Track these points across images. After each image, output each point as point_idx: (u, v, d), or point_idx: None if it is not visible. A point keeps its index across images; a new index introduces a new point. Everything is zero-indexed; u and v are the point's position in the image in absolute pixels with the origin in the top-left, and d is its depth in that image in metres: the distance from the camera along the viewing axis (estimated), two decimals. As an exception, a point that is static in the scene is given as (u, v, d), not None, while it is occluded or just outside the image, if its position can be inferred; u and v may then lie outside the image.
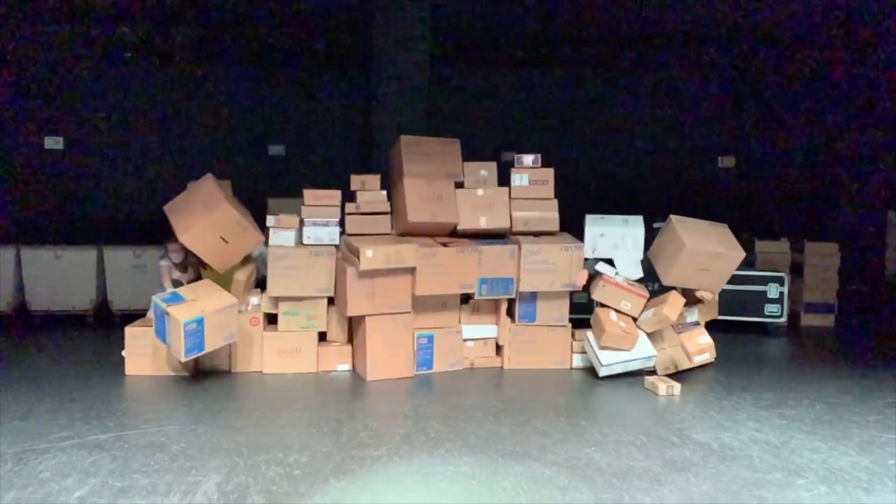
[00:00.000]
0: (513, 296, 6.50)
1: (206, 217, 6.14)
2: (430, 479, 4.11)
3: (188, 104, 10.01)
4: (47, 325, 8.24)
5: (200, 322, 5.64)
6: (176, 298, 5.81)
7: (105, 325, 8.06)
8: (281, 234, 6.46)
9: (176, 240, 6.39)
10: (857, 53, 10.01)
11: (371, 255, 5.97)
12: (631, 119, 10.67)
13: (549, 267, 6.42)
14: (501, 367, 6.62)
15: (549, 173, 6.94)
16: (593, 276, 6.45)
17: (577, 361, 6.64)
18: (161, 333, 5.80)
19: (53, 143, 9.74)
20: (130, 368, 6.14)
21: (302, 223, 6.54)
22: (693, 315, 6.40)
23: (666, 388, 5.80)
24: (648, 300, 6.28)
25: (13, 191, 9.63)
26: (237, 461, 4.34)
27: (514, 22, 9.83)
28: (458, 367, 6.49)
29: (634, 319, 6.25)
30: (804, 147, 10.78)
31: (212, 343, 5.79)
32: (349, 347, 6.49)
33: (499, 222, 6.67)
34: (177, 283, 6.55)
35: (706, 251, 6.09)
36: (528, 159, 7.00)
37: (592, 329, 6.27)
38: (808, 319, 8.71)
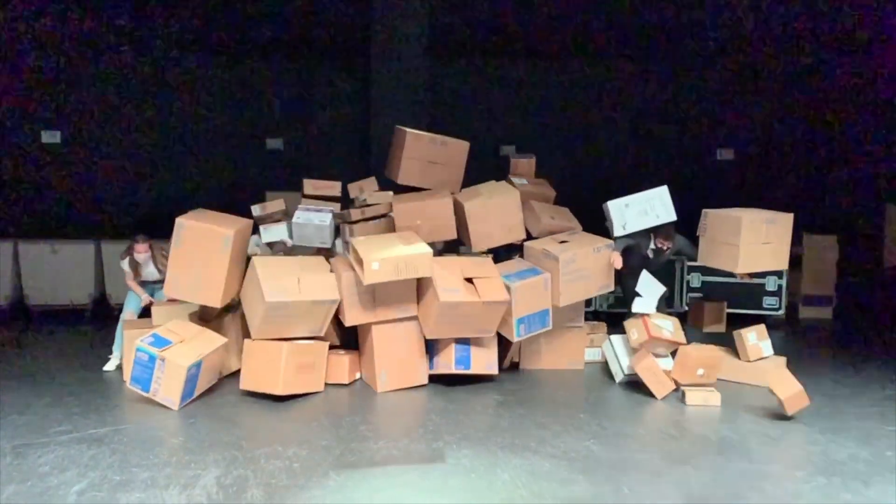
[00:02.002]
0: (549, 327, 6.02)
1: (238, 224, 5.78)
2: (430, 472, 4.12)
3: (186, 97, 9.97)
4: (45, 319, 8.22)
5: (199, 366, 5.23)
6: (162, 342, 5.23)
7: (103, 319, 8.04)
8: (272, 230, 6.22)
9: (143, 240, 6.13)
10: (855, 48, 9.99)
11: (377, 268, 5.29)
12: (630, 112, 10.64)
13: (583, 274, 6.01)
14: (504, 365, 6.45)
15: (545, 183, 7.05)
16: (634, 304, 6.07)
17: (588, 356, 6.51)
18: (143, 381, 5.14)
19: (50, 136, 9.70)
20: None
21: (288, 214, 6.37)
22: (768, 346, 6.01)
23: (703, 398, 5.43)
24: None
25: (10, 184, 9.60)
26: (236, 454, 4.34)
27: (513, 15, 9.81)
28: (494, 370, 5.91)
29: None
30: (803, 139, 10.76)
31: (201, 387, 5.36)
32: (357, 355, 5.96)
33: (506, 192, 6.39)
34: (147, 284, 6.32)
35: (762, 219, 5.89)
36: (522, 162, 7.11)
37: (637, 367, 5.69)
38: (806, 312, 8.70)
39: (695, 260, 6.49)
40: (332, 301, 5.52)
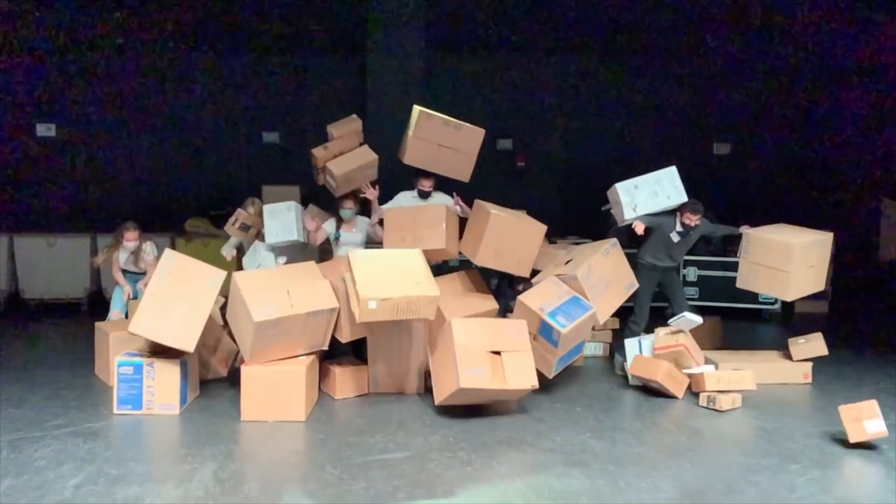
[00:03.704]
0: (582, 352, 5.79)
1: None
2: (426, 465, 4.12)
3: (182, 91, 9.94)
4: (41, 313, 8.21)
5: (186, 365, 4.98)
6: (138, 355, 4.96)
7: (99, 313, 8.02)
8: (263, 255, 6.00)
9: (133, 227, 6.03)
10: (852, 41, 9.99)
11: (374, 308, 4.76)
12: (627, 105, 10.64)
13: (606, 281, 5.64)
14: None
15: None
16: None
17: (587, 351, 6.43)
18: (133, 400, 4.85)
19: (45, 129, 9.67)
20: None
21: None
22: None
23: (732, 400, 5.20)
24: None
25: (5, 178, 9.57)
26: (233, 448, 4.34)
27: (511, 7, 9.79)
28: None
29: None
30: (799, 134, 10.77)
31: (191, 393, 5.13)
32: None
33: (534, 224, 5.98)
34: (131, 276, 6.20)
35: (811, 242, 5.63)
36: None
37: (657, 377, 5.41)
38: (801, 306, 8.69)
39: (720, 237, 6.23)
40: (330, 310, 5.02)
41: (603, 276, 5.62)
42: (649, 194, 5.92)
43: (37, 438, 4.42)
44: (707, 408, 5.18)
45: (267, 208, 6.12)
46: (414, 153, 6.11)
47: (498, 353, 4.86)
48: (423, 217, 5.94)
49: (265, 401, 4.81)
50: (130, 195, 9.78)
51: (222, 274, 5.07)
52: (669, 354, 5.52)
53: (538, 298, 5.33)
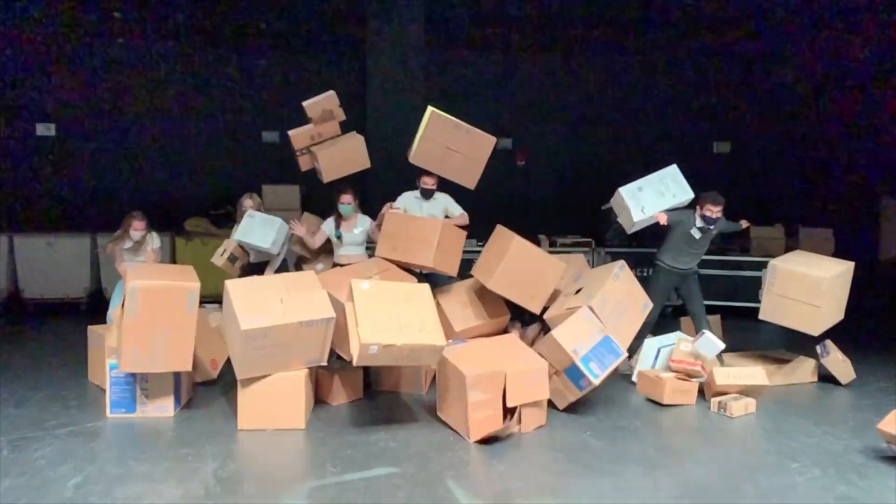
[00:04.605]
0: None
1: (192, 276, 5.20)
2: (427, 465, 4.12)
3: (182, 90, 9.95)
4: (41, 312, 8.21)
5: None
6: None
7: (99, 312, 8.02)
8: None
9: (141, 217, 5.93)
10: (853, 38, 9.99)
11: (375, 353, 4.37)
12: (627, 104, 10.65)
13: (621, 307, 5.41)
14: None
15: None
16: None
17: None
18: (126, 403, 4.82)
19: (45, 129, 9.68)
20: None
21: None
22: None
23: (745, 406, 5.10)
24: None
25: (5, 178, 9.58)
26: (233, 447, 4.34)
27: (510, 6, 9.79)
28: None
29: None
30: (799, 133, 10.77)
31: (185, 395, 5.11)
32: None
33: (554, 259, 5.79)
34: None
35: (837, 275, 5.57)
36: None
37: (665, 398, 5.28)
38: (801, 305, 8.70)
39: (720, 234, 6.22)
40: (326, 320, 4.68)
41: (618, 302, 5.37)
42: (655, 194, 5.80)
43: (37, 438, 4.42)
44: (719, 414, 5.10)
45: (237, 239, 6.15)
46: (421, 154, 5.96)
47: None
48: (418, 229, 5.75)
49: (263, 409, 4.66)
50: (130, 195, 9.77)
51: (196, 286, 4.78)
52: (684, 369, 5.42)
53: (572, 337, 4.96)
